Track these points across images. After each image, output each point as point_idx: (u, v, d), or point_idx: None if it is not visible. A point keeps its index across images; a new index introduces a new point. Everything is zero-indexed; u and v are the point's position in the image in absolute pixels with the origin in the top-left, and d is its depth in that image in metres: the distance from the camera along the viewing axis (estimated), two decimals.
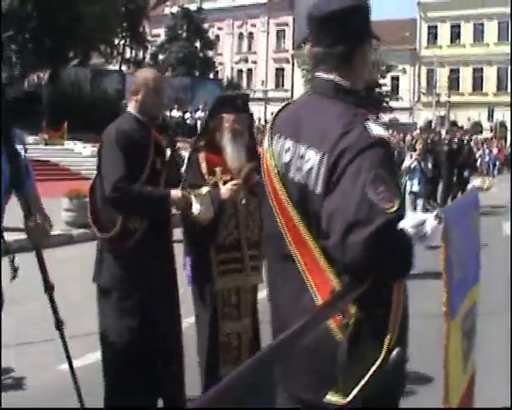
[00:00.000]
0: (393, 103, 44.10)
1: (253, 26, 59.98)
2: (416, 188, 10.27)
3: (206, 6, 51.42)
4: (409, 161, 10.44)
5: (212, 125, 3.75)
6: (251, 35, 60.55)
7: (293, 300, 1.85)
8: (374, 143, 1.73)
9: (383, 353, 1.74)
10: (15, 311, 4.56)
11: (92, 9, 31.84)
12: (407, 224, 1.97)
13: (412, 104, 51.48)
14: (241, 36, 61.07)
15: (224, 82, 47.96)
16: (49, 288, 3.22)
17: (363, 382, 1.70)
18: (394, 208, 1.65)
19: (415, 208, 9.97)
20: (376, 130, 1.77)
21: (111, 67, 44.74)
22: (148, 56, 49.27)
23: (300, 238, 1.84)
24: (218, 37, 59.33)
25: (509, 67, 45.70)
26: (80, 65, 35.13)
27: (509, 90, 45.15)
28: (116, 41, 44.24)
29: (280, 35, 58.75)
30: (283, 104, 2.12)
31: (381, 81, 41.46)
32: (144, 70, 3.82)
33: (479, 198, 2.78)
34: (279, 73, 59.10)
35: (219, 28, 60.53)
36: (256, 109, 54.12)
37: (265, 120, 29.92)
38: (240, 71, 60.55)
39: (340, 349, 1.75)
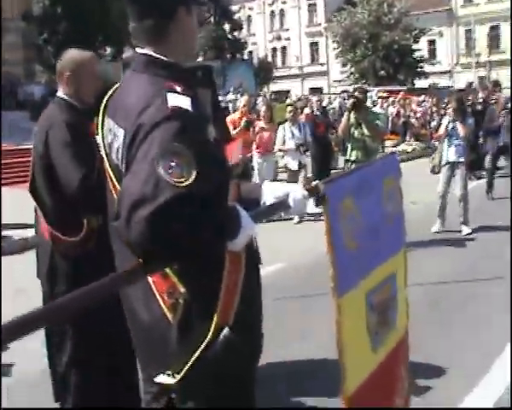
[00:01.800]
0: (431, 68, 43.00)
1: (284, 2, 59.37)
2: (452, 157, 8.46)
3: None
4: (443, 126, 8.71)
5: None
6: (282, 12, 59.91)
7: (136, 287, 1.77)
8: (170, 115, 1.62)
9: (209, 334, 1.68)
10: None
11: (119, 3, 32.10)
12: (269, 195, 1.96)
13: (451, 67, 50.06)
14: (272, 14, 60.51)
15: (255, 62, 47.67)
16: None
17: (190, 363, 1.67)
18: (187, 183, 1.53)
19: (447, 181, 8.46)
20: (175, 101, 1.66)
21: None
22: None
23: None
24: (249, 17, 59.02)
25: None
26: (113, 59, 35.54)
27: None
28: None
29: (311, 9, 57.87)
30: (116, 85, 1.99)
31: (415, 46, 40.42)
32: (73, 51, 3.38)
33: (398, 164, 2.66)
34: (313, 47, 58.42)
35: (250, 8, 60.16)
36: (293, 86, 53.86)
37: (302, 96, 29.41)
38: (274, 49, 60.17)
39: (171, 330, 1.73)
